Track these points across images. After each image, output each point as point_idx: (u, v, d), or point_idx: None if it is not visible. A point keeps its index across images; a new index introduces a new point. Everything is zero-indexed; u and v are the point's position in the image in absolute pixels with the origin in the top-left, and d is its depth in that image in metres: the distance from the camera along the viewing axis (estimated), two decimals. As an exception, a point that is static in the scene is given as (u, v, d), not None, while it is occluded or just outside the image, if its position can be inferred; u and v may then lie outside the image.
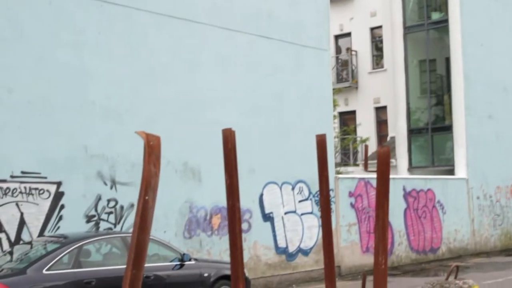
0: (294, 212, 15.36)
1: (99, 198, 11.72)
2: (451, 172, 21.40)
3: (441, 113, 22.83)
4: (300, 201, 15.50)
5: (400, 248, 18.08)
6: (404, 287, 12.96)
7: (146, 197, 3.53)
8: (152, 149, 3.57)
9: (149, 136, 3.59)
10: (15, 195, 10.57)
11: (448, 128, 21.71)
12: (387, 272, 4.83)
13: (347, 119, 27.12)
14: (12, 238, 10.50)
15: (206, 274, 10.63)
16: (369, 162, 25.58)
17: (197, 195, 13.21)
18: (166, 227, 12.30)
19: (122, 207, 12.04)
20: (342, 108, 26.13)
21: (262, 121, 14.62)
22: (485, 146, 21.10)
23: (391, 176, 16.95)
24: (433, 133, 22.35)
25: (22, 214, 10.65)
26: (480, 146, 21.01)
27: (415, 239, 18.59)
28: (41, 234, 10.81)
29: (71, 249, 9.30)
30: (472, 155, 20.79)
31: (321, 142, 4.53)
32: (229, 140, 3.95)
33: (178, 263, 10.31)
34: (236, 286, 3.89)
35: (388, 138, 25.09)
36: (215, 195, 13.48)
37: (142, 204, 3.51)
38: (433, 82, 23.09)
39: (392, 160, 21.89)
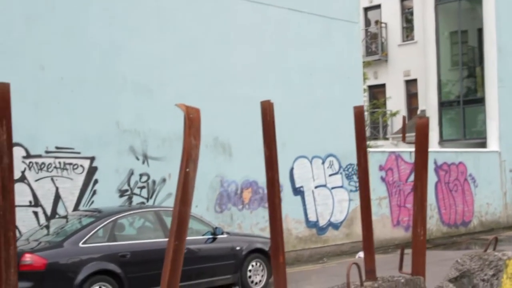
0: (325, 186, 15.35)
1: (131, 173, 11.85)
2: (483, 145, 21.12)
3: (473, 85, 22.48)
4: (330, 175, 15.47)
5: (431, 222, 17.97)
6: (435, 260, 12.87)
7: (187, 169, 3.54)
8: (192, 122, 3.57)
9: (189, 109, 3.58)
10: (50, 170, 10.75)
11: (480, 101, 21.38)
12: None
13: (376, 93, 26.86)
14: (48, 212, 10.70)
15: (238, 248, 10.71)
16: (398, 135, 25.13)
17: (227, 170, 13.27)
18: (197, 202, 12.38)
19: (154, 182, 12.16)
20: (372, 81, 25.87)
21: (292, 95, 14.54)
22: (518, 118, 20.77)
23: (423, 149, 16.40)
24: (464, 105, 22.04)
25: (57, 188, 10.83)
26: (513, 118, 20.68)
27: (446, 213, 18.47)
28: (76, 208, 10.99)
29: (106, 223, 9.43)
30: (504, 128, 20.47)
31: (358, 114, 4.50)
32: (267, 112, 3.93)
33: (211, 236, 10.40)
34: (276, 257, 3.91)
35: (419, 112, 24.81)
36: (245, 169, 13.55)
37: (183, 176, 3.53)
38: (464, 53, 22.69)
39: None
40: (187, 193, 3.53)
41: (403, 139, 4.66)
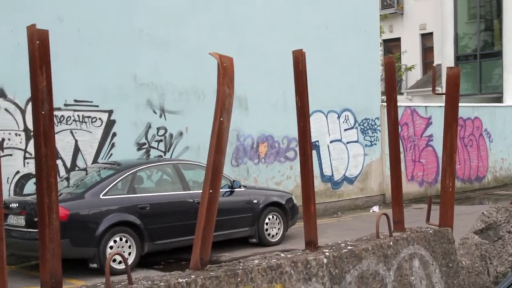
0: (340, 140, 15.34)
1: (149, 126, 11.88)
2: (499, 99, 20.96)
3: (490, 38, 22.15)
4: (345, 130, 15.44)
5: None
6: (451, 214, 12.99)
7: (221, 118, 3.54)
8: (225, 71, 3.55)
9: (223, 57, 3.56)
10: (69, 123, 10.78)
11: (497, 54, 21.12)
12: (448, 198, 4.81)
13: (391, 47, 26.55)
14: (68, 164, 10.79)
15: (255, 201, 10.77)
16: (413, 90, 24.91)
17: (244, 124, 13.26)
18: (214, 155, 12.41)
19: (171, 135, 12.20)
20: (387, 35, 25.53)
21: (308, 49, 14.13)
22: (535, 72, 20.52)
23: (437, 104, 16.68)
24: (481, 59, 21.78)
25: (76, 141, 10.89)
26: (531, 72, 20.45)
27: (461, 168, 18.45)
28: (95, 161, 11.07)
29: (125, 175, 9.51)
30: (521, 82, 20.28)
31: (389, 64, 4.44)
32: (300, 61, 3.90)
33: (228, 190, 10.45)
34: (308, 207, 3.94)
35: (435, 64, 24.57)
36: (261, 123, 13.56)
37: (217, 126, 3.52)
38: (482, 6, 22.29)
39: (438, 88, 21.49)
40: (221, 142, 3.53)
41: (433, 90, 4.61)
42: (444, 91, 4.81)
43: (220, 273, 3.39)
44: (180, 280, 3.22)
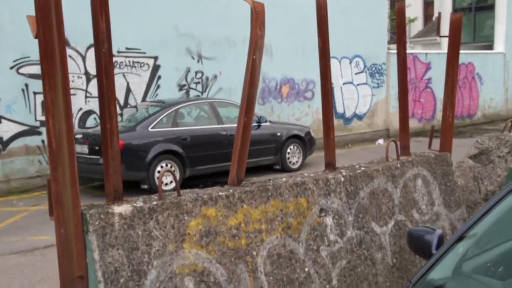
0: (351, 83, 15.12)
1: (188, 71, 11.80)
2: (490, 47, 20.33)
3: (485, -7, 21.30)
4: (356, 73, 15.19)
5: (441, 114, 17.69)
6: (445, 146, 12.84)
7: (254, 56, 3.46)
8: (258, 14, 3.44)
9: (255, 3, 3.44)
10: (121, 67, 10.75)
11: (490, 7, 20.31)
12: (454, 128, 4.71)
13: (397, 1, 25.71)
14: (122, 102, 10.84)
15: (278, 134, 10.76)
16: (415, 39, 24.21)
17: (269, 68, 13.11)
18: (244, 95, 12.34)
19: (207, 78, 12.12)
20: (393, -9, 24.68)
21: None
22: (524, 23, 19.74)
23: (436, 51, 16.19)
24: (476, 12, 20.99)
25: (128, 83, 10.89)
26: (519, 23, 19.67)
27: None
28: (143, 99, 11.10)
29: (169, 111, 9.53)
30: (511, 31, 19.55)
31: (400, 10, 4.27)
32: (322, 7, 3.77)
33: (256, 124, 10.43)
34: (328, 134, 3.89)
35: (434, 18, 23.79)
36: (284, 68, 13.38)
37: (251, 63, 3.45)
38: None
39: (437, 38, 20.86)
40: (254, 77, 3.46)
41: (437, 33, 4.44)
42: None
43: (253, 188, 3.40)
44: (221, 193, 3.23)
